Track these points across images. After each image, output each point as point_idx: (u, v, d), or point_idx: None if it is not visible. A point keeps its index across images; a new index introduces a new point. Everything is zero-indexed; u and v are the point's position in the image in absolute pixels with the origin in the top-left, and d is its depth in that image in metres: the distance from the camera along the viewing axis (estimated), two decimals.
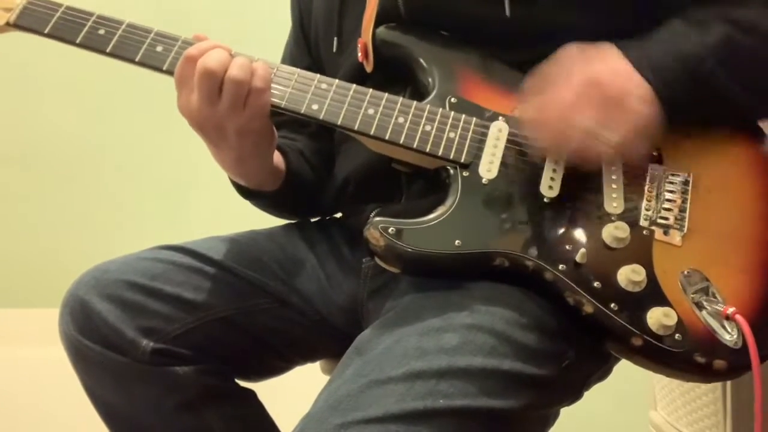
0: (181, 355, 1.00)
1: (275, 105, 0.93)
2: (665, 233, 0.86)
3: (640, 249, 0.84)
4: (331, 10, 1.09)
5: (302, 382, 1.18)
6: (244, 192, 1.07)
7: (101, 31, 0.95)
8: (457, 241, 0.84)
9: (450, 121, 0.91)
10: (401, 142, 0.91)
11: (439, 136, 0.91)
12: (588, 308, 0.81)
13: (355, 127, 0.92)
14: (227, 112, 0.90)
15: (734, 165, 0.91)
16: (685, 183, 0.89)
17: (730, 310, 0.79)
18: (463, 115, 0.92)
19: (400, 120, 0.91)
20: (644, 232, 0.86)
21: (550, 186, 0.88)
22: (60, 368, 1.06)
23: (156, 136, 2.17)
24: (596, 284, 0.82)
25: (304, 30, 1.19)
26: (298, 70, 0.95)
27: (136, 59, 0.94)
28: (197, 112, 0.90)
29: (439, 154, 0.90)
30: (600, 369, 0.94)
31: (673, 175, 0.89)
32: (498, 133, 0.91)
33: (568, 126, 0.84)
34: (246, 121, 0.91)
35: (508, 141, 0.91)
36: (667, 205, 0.87)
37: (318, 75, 0.94)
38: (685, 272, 0.83)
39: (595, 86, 0.84)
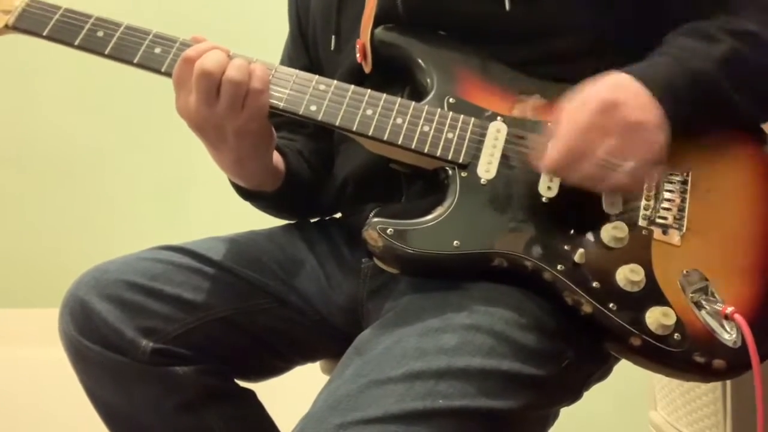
0: (180, 355, 1.00)
1: (274, 106, 0.93)
2: (664, 233, 0.86)
3: (638, 249, 0.84)
4: (329, 7, 1.09)
5: (302, 382, 1.18)
6: (244, 193, 1.08)
7: (100, 33, 0.95)
8: (455, 242, 0.84)
9: (448, 121, 0.91)
10: (399, 142, 0.91)
11: (438, 137, 0.90)
12: (587, 308, 0.81)
13: (354, 128, 0.92)
14: (225, 113, 0.90)
15: (733, 165, 0.91)
16: (684, 182, 0.89)
17: (729, 309, 0.79)
18: (462, 116, 0.92)
19: (399, 120, 0.91)
20: (643, 231, 0.86)
21: (548, 186, 0.88)
22: (60, 368, 1.06)
23: (156, 137, 2.17)
24: (595, 284, 0.82)
25: (301, 29, 1.19)
26: (297, 71, 0.95)
27: (135, 61, 0.94)
28: (195, 113, 0.90)
29: (437, 154, 0.90)
30: (600, 369, 0.94)
31: (672, 174, 0.89)
32: (496, 133, 0.91)
33: (583, 152, 0.82)
34: (244, 122, 0.91)
35: (507, 141, 0.91)
36: (665, 204, 0.87)
37: (316, 76, 0.94)
38: (684, 272, 0.83)
39: (611, 110, 0.82)
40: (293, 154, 1.12)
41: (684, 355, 0.79)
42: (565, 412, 0.91)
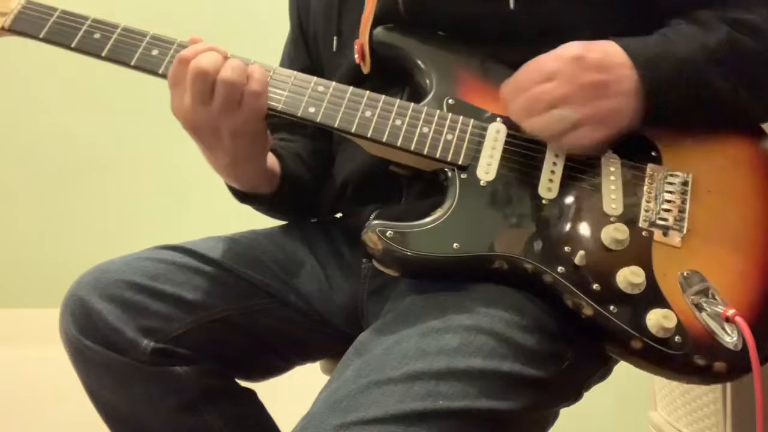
0: (181, 355, 1.00)
1: (272, 108, 0.93)
2: (664, 234, 0.85)
3: (639, 250, 0.84)
4: (330, 7, 1.09)
5: (302, 382, 1.18)
6: (240, 196, 1.07)
7: (96, 35, 0.95)
8: (455, 244, 0.84)
9: (447, 122, 0.91)
10: (398, 144, 0.90)
11: (437, 138, 0.90)
12: (587, 311, 0.81)
13: (352, 130, 0.91)
14: (220, 113, 0.90)
15: (734, 165, 0.91)
16: (685, 183, 0.89)
17: (730, 311, 0.79)
18: (461, 117, 0.92)
19: (398, 122, 0.91)
20: (643, 233, 0.85)
21: (548, 188, 0.88)
22: (60, 368, 1.06)
23: (156, 137, 2.16)
24: (595, 286, 0.82)
25: (302, 29, 1.18)
26: (295, 72, 0.95)
27: (132, 63, 0.94)
28: (190, 113, 0.91)
29: (437, 156, 0.90)
30: (600, 370, 0.94)
31: (672, 175, 0.89)
32: (496, 134, 0.91)
33: (540, 98, 0.85)
34: (240, 122, 0.91)
35: (507, 142, 0.90)
36: (666, 206, 0.87)
37: (315, 77, 0.94)
38: (685, 273, 0.83)
39: (580, 63, 0.84)
40: (291, 156, 1.12)
41: (685, 358, 0.79)
42: (565, 412, 0.91)
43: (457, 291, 0.84)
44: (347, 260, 1.09)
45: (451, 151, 0.90)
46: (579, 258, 0.82)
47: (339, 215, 1.16)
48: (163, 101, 0.95)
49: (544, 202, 0.87)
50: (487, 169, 0.89)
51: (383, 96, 0.93)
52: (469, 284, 0.84)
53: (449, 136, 0.90)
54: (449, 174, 0.89)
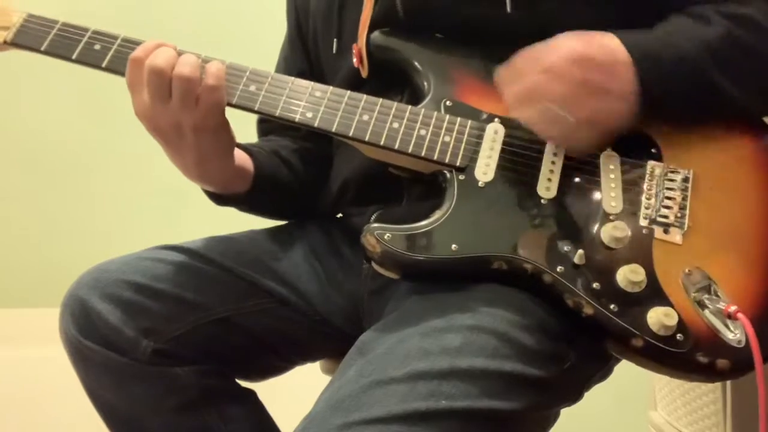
0: (181, 356, 1.00)
1: (269, 113, 0.93)
2: (665, 232, 0.85)
3: (639, 248, 0.84)
4: (330, 10, 1.09)
5: (302, 382, 1.18)
6: (216, 198, 1.07)
7: (97, 47, 0.96)
8: (453, 246, 0.83)
9: (445, 124, 0.91)
10: (396, 147, 0.90)
11: (434, 140, 0.90)
12: (588, 310, 0.81)
13: (350, 134, 0.92)
14: (179, 109, 0.90)
15: (736, 162, 0.91)
16: (685, 180, 0.88)
17: (733, 308, 0.78)
18: (459, 118, 0.92)
19: (395, 125, 0.91)
20: (644, 231, 0.85)
21: (547, 187, 0.87)
22: (60, 368, 1.06)
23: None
24: (595, 285, 0.81)
25: (301, 32, 1.18)
26: (293, 78, 0.95)
27: None
28: (151, 111, 0.91)
29: (434, 158, 0.90)
30: (601, 370, 0.94)
31: (672, 172, 0.89)
32: (494, 135, 0.91)
33: (534, 90, 0.85)
34: (200, 118, 0.91)
35: (505, 143, 0.90)
36: (666, 203, 0.87)
37: (312, 83, 0.95)
38: (686, 271, 0.83)
39: (578, 61, 0.84)
40: (266, 153, 1.12)
41: (687, 356, 0.79)
42: (565, 412, 0.91)
43: (459, 291, 0.84)
44: (348, 260, 1.09)
45: (449, 152, 0.90)
46: (578, 257, 0.82)
47: (340, 216, 1.16)
48: None
49: (542, 201, 0.87)
50: (485, 170, 0.89)
51: (381, 99, 0.93)
52: (470, 284, 0.84)
53: (447, 138, 0.90)
54: (447, 175, 0.89)
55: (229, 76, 0.93)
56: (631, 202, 0.87)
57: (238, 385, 1.09)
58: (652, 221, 0.86)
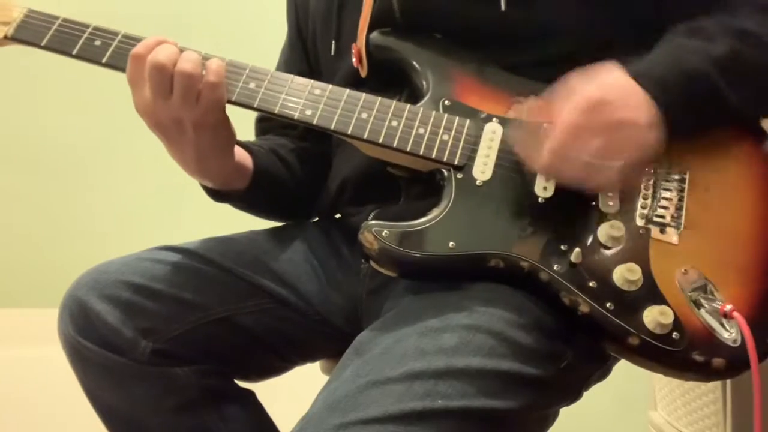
0: (180, 356, 1.00)
1: (268, 111, 0.93)
2: (662, 231, 0.86)
3: (636, 248, 0.84)
4: (329, 11, 1.09)
5: (302, 382, 1.18)
6: (215, 194, 1.07)
7: (97, 43, 0.96)
8: (451, 243, 0.84)
9: (443, 123, 0.91)
10: (394, 145, 0.91)
11: (433, 139, 0.90)
12: (584, 308, 0.81)
13: (349, 132, 0.92)
14: (180, 106, 0.90)
15: (732, 163, 0.91)
16: (682, 181, 0.89)
17: (728, 307, 0.79)
18: (457, 118, 0.92)
19: (394, 123, 0.91)
20: (640, 230, 0.86)
21: (544, 186, 0.87)
22: (60, 368, 1.06)
23: (156, 137, 2.17)
24: (592, 284, 0.82)
25: (301, 33, 1.19)
26: (292, 76, 0.95)
27: None
28: (152, 107, 0.91)
29: (433, 156, 0.90)
30: (599, 369, 0.94)
31: (669, 173, 0.89)
32: (492, 134, 0.91)
33: (571, 153, 0.83)
34: (201, 114, 0.91)
35: (503, 142, 0.91)
36: (663, 203, 0.87)
37: (312, 81, 0.95)
38: (683, 270, 0.83)
39: (599, 108, 0.82)
40: (264, 151, 1.12)
41: (683, 354, 0.79)
42: (565, 412, 0.91)
43: (456, 290, 0.84)
44: (346, 260, 1.09)
45: (447, 151, 0.90)
46: (575, 255, 0.82)
47: (338, 216, 1.16)
48: None
49: (540, 200, 0.87)
50: (483, 168, 0.89)
51: (380, 98, 0.93)
52: (467, 283, 0.84)
53: (445, 137, 0.91)
54: (445, 174, 0.90)
55: (229, 73, 0.94)
56: (628, 202, 0.87)
57: (238, 385, 1.09)
58: (649, 221, 0.86)
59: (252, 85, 0.94)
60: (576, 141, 0.82)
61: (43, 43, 0.96)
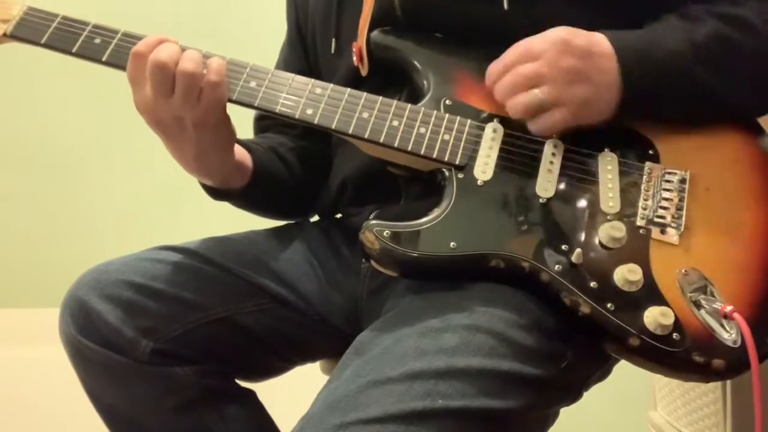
0: (180, 356, 1.01)
1: (270, 110, 0.93)
2: (662, 232, 0.86)
3: (636, 248, 0.84)
4: (329, 10, 1.09)
5: (302, 382, 1.18)
6: (214, 192, 1.07)
7: (97, 41, 0.96)
8: (452, 243, 0.84)
9: (445, 123, 0.91)
10: (396, 145, 0.91)
11: (434, 139, 0.90)
12: (585, 308, 0.81)
13: (350, 131, 0.92)
14: (181, 105, 0.90)
15: (733, 163, 0.91)
16: (683, 181, 0.89)
17: (728, 308, 0.79)
18: (458, 117, 0.92)
19: (395, 123, 0.91)
20: (641, 231, 0.86)
21: (545, 186, 0.88)
22: (60, 368, 1.06)
23: (156, 137, 2.17)
24: (592, 284, 0.82)
25: (300, 31, 1.19)
26: (293, 74, 0.95)
27: None
28: (152, 105, 0.91)
29: (434, 156, 0.90)
30: (599, 369, 0.94)
31: (670, 173, 0.89)
32: (493, 134, 0.91)
33: (517, 70, 0.87)
34: (202, 114, 0.91)
35: (504, 142, 0.91)
36: (664, 203, 0.87)
37: (312, 79, 0.95)
38: (683, 271, 0.83)
39: (563, 44, 0.86)
40: (263, 150, 1.12)
41: (683, 355, 0.79)
42: (565, 412, 0.91)
43: (456, 290, 0.84)
44: (347, 260, 1.09)
45: (448, 151, 0.90)
46: (576, 256, 0.82)
47: (338, 215, 1.16)
48: None
49: (541, 200, 0.87)
50: (484, 168, 0.89)
51: (381, 97, 0.93)
52: (468, 283, 0.84)
53: (446, 137, 0.91)
54: (446, 174, 0.90)
55: (230, 72, 0.93)
56: (629, 203, 0.87)
57: (238, 385, 1.09)
58: (649, 221, 0.86)
59: (253, 84, 0.94)
60: (529, 63, 0.87)
61: (42, 41, 0.96)
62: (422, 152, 0.90)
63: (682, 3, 0.93)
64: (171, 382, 1.01)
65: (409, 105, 0.93)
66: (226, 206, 1.12)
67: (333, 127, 0.92)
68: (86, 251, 1.57)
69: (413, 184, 0.98)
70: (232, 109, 0.95)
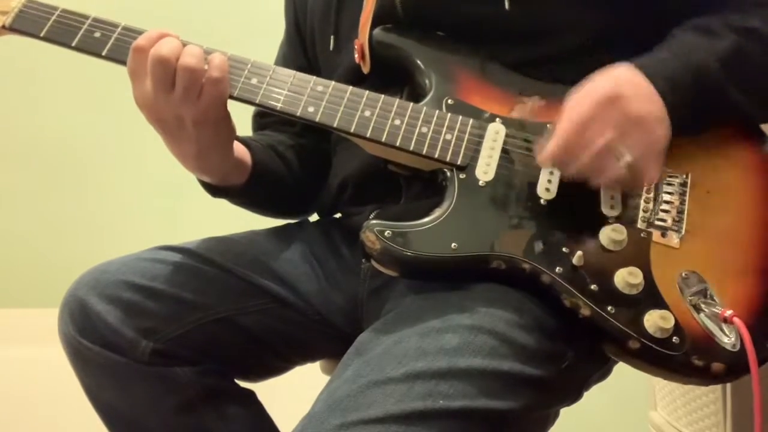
0: (180, 356, 1.00)
1: (271, 108, 0.93)
2: (663, 235, 0.86)
3: (637, 251, 0.84)
4: (328, 7, 1.09)
5: (302, 382, 1.18)
6: (212, 190, 1.07)
7: (97, 34, 0.95)
8: (453, 244, 0.84)
9: (446, 123, 0.91)
10: (397, 144, 0.90)
11: (436, 138, 0.90)
12: (585, 311, 0.81)
13: (351, 130, 0.91)
14: (182, 100, 0.89)
15: (734, 167, 0.91)
16: (684, 184, 0.89)
17: (728, 312, 0.79)
18: (460, 117, 0.92)
19: (397, 122, 0.91)
20: (642, 234, 0.86)
21: (547, 188, 0.88)
22: (60, 368, 1.06)
23: (156, 136, 2.17)
24: (593, 287, 0.82)
25: (299, 28, 1.18)
26: (295, 72, 0.95)
27: None
28: (153, 100, 0.90)
29: (436, 155, 0.90)
30: (599, 370, 0.94)
31: (671, 176, 0.89)
32: (495, 134, 0.91)
33: (582, 144, 0.82)
34: (202, 110, 0.91)
35: (506, 143, 0.91)
36: (665, 206, 0.87)
37: (314, 77, 0.94)
38: (683, 274, 0.83)
39: (612, 102, 0.82)
40: (262, 147, 1.12)
41: (682, 359, 0.79)
42: (565, 412, 0.91)
43: (457, 290, 0.84)
44: (347, 260, 1.09)
45: (450, 151, 0.90)
46: (577, 258, 0.82)
47: (338, 215, 1.16)
48: None
49: (542, 202, 0.87)
50: (486, 169, 0.89)
51: (382, 96, 0.93)
52: (469, 284, 0.85)
53: (448, 136, 0.90)
54: (448, 174, 0.89)
55: (231, 68, 0.93)
56: (630, 206, 0.87)
57: (238, 385, 1.09)
58: (650, 225, 0.86)
59: (254, 81, 0.93)
60: (588, 132, 0.82)
61: (41, 34, 0.95)
62: (424, 152, 0.90)
63: (684, 4, 0.92)
64: (171, 382, 1.00)
65: (411, 104, 0.92)
66: (226, 206, 1.12)
67: (335, 125, 0.92)
68: (86, 251, 1.57)
69: (414, 184, 0.98)
70: (230, 106, 0.95)
